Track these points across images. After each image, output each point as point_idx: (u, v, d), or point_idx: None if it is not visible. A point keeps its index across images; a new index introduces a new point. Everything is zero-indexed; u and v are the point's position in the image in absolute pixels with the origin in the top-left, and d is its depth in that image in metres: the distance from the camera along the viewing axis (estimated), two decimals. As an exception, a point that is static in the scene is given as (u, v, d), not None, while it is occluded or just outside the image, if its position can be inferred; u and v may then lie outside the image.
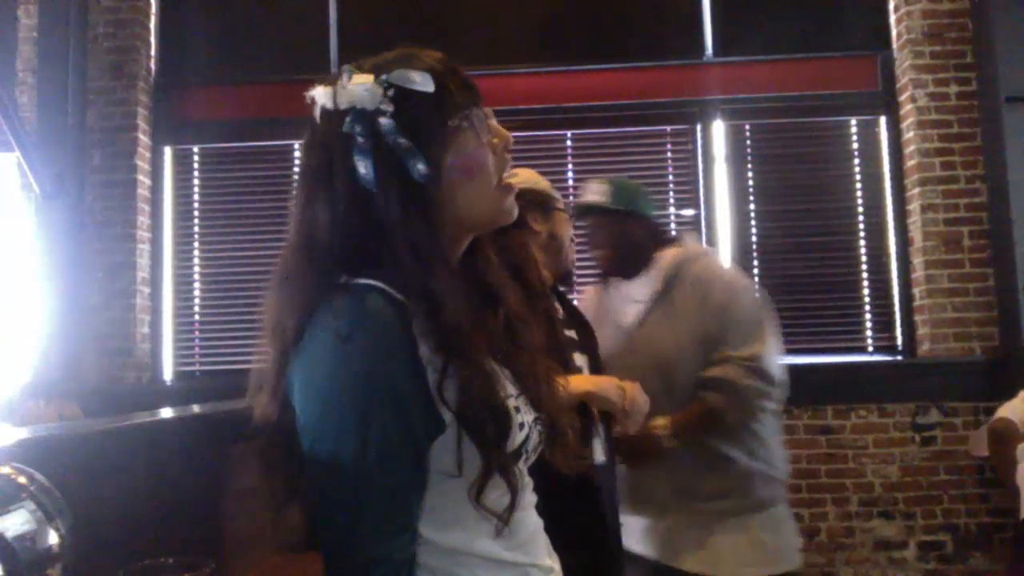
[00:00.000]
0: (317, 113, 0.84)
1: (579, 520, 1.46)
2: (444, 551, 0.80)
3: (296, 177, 0.87)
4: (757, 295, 2.07)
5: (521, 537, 0.86)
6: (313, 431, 0.77)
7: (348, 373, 0.75)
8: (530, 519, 0.90)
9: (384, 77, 0.82)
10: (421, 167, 0.79)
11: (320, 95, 0.83)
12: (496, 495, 0.80)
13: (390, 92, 0.81)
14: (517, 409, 0.84)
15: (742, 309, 1.91)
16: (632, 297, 2.01)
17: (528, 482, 0.90)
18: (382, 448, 0.74)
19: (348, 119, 0.80)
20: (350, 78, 0.82)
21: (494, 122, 0.88)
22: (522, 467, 0.86)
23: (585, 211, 2.07)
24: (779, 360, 1.94)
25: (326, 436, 0.76)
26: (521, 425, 0.83)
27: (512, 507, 0.81)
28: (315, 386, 0.77)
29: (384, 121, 0.80)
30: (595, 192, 2.03)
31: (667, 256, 1.98)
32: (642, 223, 2.03)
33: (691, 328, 1.88)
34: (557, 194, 1.78)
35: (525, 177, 1.70)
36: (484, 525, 0.81)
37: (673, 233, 2.09)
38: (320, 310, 0.78)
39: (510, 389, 0.86)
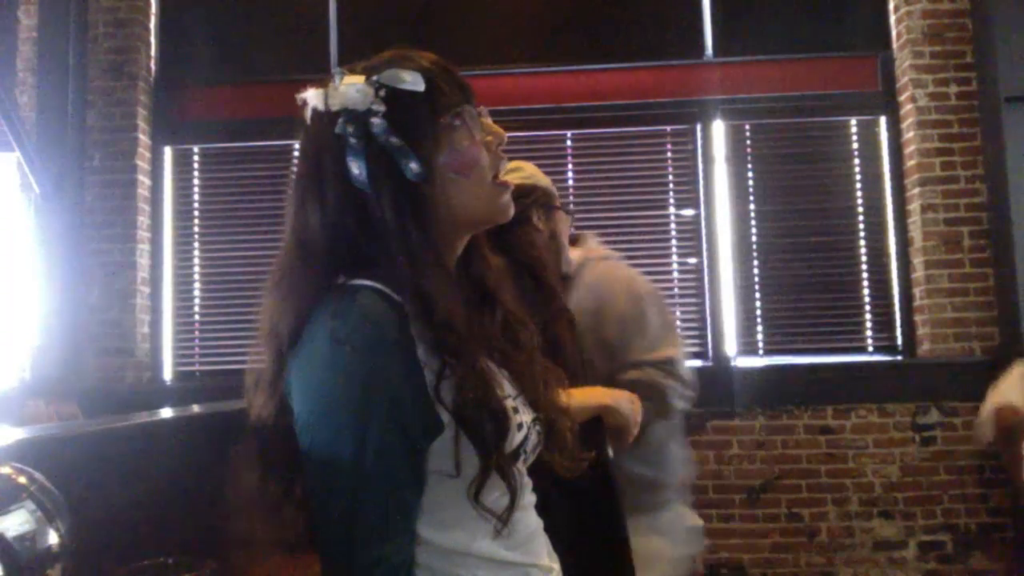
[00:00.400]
0: (309, 115, 0.84)
1: (602, 519, 1.46)
2: (443, 552, 0.80)
3: (292, 178, 0.87)
4: (661, 299, 1.96)
5: (521, 537, 0.86)
6: (311, 432, 0.77)
7: (346, 375, 0.75)
8: (530, 519, 0.89)
9: (375, 78, 0.82)
10: (414, 166, 0.80)
11: (312, 97, 0.83)
12: (495, 495, 0.80)
13: (381, 92, 0.81)
14: (516, 410, 0.84)
15: (647, 317, 1.81)
16: None
17: (527, 482, 0.90)
18: (380, 449, 0.74)
19: (340, 120, 0.81)
20: (341, 80, 0.82)
21: (488, 120, 0.88)
22: (521, 467, 0.86)
23: None
24: (688, 363, 1.87)
25: (324, 437, 0.76)
26: (520, 425, 0.83)
27: (511, 507, 0.81)
28: (313, 388, 0.77)
29: (376, 121, 0.80)
30: None
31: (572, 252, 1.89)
32: None
33: (588, 334, 1.75)
34: (556, 191, 1.75)
35: (530, 172, 1.67)
36: (483, 525, 0.81)
37: (575, 234, 1.99)
38: (318, 311, 0.78)
39: (508, 389, 0.86)
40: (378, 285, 0.78)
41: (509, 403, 0.83)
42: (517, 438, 0.82)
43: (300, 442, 0.78)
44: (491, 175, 0.86)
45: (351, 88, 0.81)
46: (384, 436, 0.74)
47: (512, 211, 0.89)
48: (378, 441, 0.74)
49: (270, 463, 0.83)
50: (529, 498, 0.90)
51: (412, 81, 0.81)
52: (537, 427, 0.87)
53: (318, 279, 0.80)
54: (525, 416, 0.86)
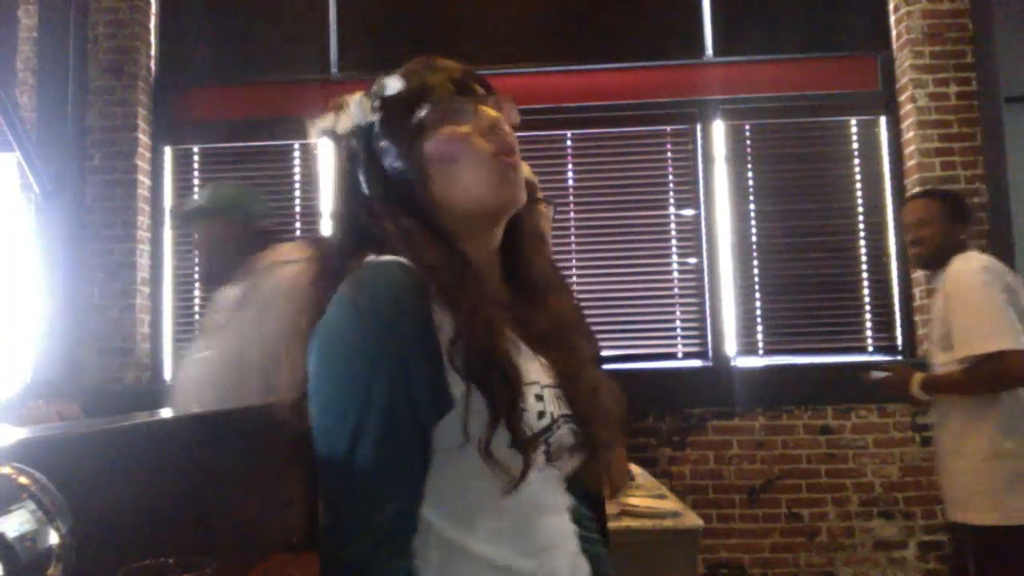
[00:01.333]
0: (329, 138, 0.90)
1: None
2: (446, 545, 0.79)
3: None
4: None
5: (537, 543, 0.82)
6: (319, 395, 0.78)
7: (359, 335, 0.76)
8: (551, 525, 0.85)
9: (372, 91, 0.88)
10: (398, 164, 0.85)
11: (327, 122, 0.90)
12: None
13: (375, 103, 0.87)
14: (540, 397, 0.81)
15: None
16: (225, 298, 2.01)
17: (552, 476, 0.86)
18: (383, 410, 0.74)
19: (351, 137, 0.88)
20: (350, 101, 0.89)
21: (482, 106, 0.88)
22: (540, 456, 0.81)
23: (187, 216, 2.11)
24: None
25: (330, 399, 0.77)
26: (540, 414, 0.80)
27: (524, 473, 0.77)
28: (325, 349, 0.78)
29: (374, 131, 0.86)
30: (196, 197, 2.02)
31: (264, 258, 1.96)
32: (240, 226, 2.03)
33: (278, 332, 1.73)
34: (538, 183, 1.70)
35: None
36: (489, 518, 0.79)
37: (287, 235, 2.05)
38: (343, 284, 0.80)
39: (536, 375, 0.84)
40: (399, 259, 0.80)
41: (535, 389, 0.81)
42: (535, 418, 0.79)
43: (310, 406, 0.78)
44: (486, 156, 0.85)
45: (353, 105, 0.88)
46: (391, 398, 0.74)
47: (523, 196, 0.87)
48: (383, 402, 0.74)
49: (296, 450, 0.82)
50: (554, 501, 0.87)
51: (392, 84, 0.87)
52: (571, 426, 0.84)
53: (342, 265, 0.84)
54: (553, 407, 0.83)
